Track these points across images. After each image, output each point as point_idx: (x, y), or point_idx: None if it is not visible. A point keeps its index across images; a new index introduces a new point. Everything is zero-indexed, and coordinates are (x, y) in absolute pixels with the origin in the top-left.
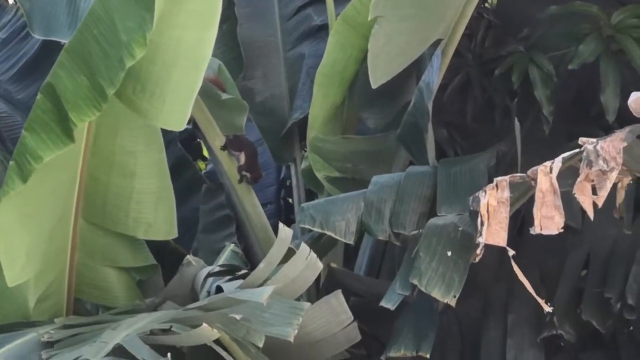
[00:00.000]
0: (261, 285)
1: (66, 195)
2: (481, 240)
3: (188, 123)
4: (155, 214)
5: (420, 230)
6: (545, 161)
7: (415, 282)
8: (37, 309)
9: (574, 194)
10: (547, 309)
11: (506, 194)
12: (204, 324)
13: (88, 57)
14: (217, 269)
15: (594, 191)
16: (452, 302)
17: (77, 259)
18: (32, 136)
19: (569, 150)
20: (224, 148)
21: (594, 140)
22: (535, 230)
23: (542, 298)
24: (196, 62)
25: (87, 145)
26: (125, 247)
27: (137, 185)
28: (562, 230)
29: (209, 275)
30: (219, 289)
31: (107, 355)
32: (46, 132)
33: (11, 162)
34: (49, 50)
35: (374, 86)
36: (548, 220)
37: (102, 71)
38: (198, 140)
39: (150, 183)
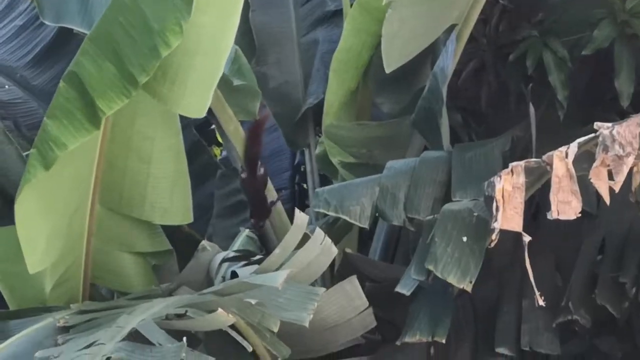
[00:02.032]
0: (276, 270)
1: (84, 181)
2: (496, 225)
3: None
4: (171, 199)
5: (435, 216)
6: (559, 146)
7: (430, 267)
8: (53, 294)
9: (590, 179)
10: (541, 302)
11: (521, 179)
12: (220, 309)
13: (115, 45)
14: (232, 254)
15: (610, 176)
16: (468, 288)
17: (94, 244)
18: (55, 124)
19: (583, 135)
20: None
21: (609, 125)
22: (553, 215)
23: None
24: (218, 49)
25: (105, 132)
26: (142, 233)
27: (153, 170)
28: (578, 215)
29: (224, 260)
30: (234, 274)
31: (123, 340)
32: (69, 119)
33: (33, 150)
34: (65, 37)
35: (387, 71)
36: (565, 205)
37: (132, 59)
38: (213, 126)
39: (166, 168)
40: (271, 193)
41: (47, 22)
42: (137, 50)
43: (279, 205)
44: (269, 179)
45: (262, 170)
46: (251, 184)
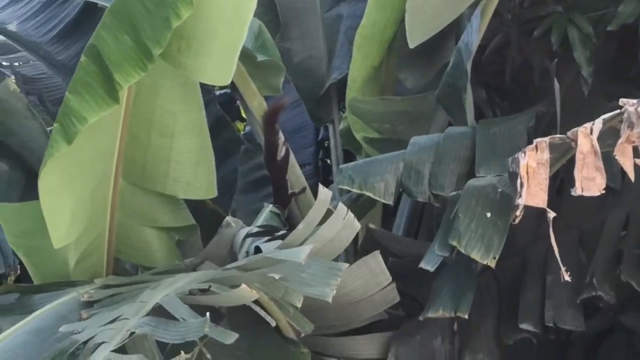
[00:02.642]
0: (300, 246)
1: (107, 155)
2: (520, 201)
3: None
4: (194, 173)
5: (459, 192)
6: (584, 122)
7: (454, 243)
8: (77, 269)
9: (614, 155)
10: (567, 277)
11: (546, 155)
12: (243, 284)
13: (132, 17)
14: (256, 229)
15: (635, 152)
16: (492, 264)
17: (117, 219)
18: (76, 98)
19: (608, 111)
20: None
21: (635, 101)
22: (577, 191)
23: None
24: (240, 16)
25: (127, 106)
26: (165, 207)
27: (176, 144)
28: (602, 192)
29: (248, 235)
30: (258, 250)
31: (147, 314)
32: (90, 93)
33: (55, 124)
34: (90, 12)
35: (411, 45)
36: (589, 181)
37: (148, 31)
38: (236, 102)
39: (189, 142)
40: (299, 180)
41: None
42: (151, 23)
43: (303, 180)
44: (293, 157)
45: (283, 152)
46: (272, 169)
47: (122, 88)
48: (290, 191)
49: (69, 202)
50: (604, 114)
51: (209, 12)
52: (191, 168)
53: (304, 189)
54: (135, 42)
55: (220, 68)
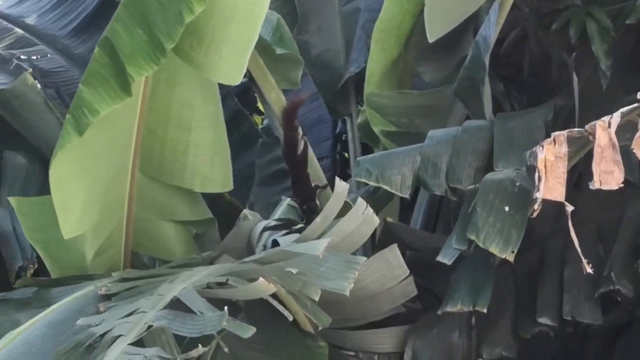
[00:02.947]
0: (317, 239)
1: (123, 148)
2: (538, 195)
3: (244, 76)
4: (211, 166)
5: (477, 185)
6: (602, 115)
7: (472, 237)
8: (95, 262)
9: (632, 149)
10: (589, 269)
11: (564, 148)
12: (261, 278)
13: (145, 11)
14: (273, 223)
15: None
16: (510, 258)
17: (135, 212)
18: (89, 90)
19: (626, 105)
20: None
21: None
22: (595, 185)
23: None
24: (253, 15)
25: (144, 99)
26: (182, 201)
27: (193, 138)
28: (620, 185)
29: (265, 229)
30: (275, 243)
31: (164, 308)
32: (103, 85)
33: (68, 115)
34: (108, 6)
35: (430, 40)
36: (607, 175)
37: (160, 25)
38: (254, 94)
39: (206, 136)
40: (318, 174)
41: None
42: (164, 17)
43: (321, 173)
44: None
45: (302, 146)
46: (291, 164)
47: (135, 81)
48: (313, 184)
49: (81, 193)
50: (622, 107)
51: (221, 10)
52: (208, 161)
53: (326, 185)
54: (148, 35)
55: (231, 67)
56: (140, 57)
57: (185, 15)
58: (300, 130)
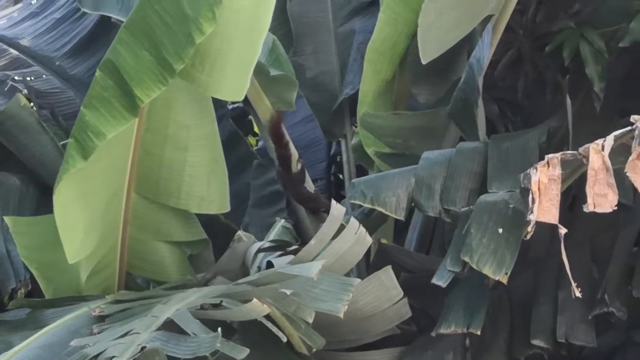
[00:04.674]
0: (312, 261)
1: (120, 170)
2: (532, 217)
3: None
4: (208, 187)
5: (471, 207)
6: (596, 138)
7: (466, 259)
8: (89, 283)
9: (626, 172)
10: (578, 293)
11: (557, 171)
12: (255, 299)
13: (150, 32)
14: (268, 244)
15: None
16: (504, 279)
17: (130, 233)
18: (92, 113)
19: (620, 127)
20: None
21: None
22: (589, 208)
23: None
24: (255, 32)
25: (141, 121)
26: (178, 222)
27: (190, 158)
28: (614, 208)
29: (260, 250)
30: (270, 265)
31: (158, 329)
32: (107, 108)
33: (71, 140)
34: (104, 29)
35: (424, 62)
36: (601, 198)
37: (168, 46)
38: (249, 117)
39: (202, 156)
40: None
41: (85, 10)
42: (172, 38)
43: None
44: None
45: (299, 167)
46: (288, 181)
47: (143, 103)
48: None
49: (84, 216)
50: (615, 130)
51: (224, 29)
52: (204, 182)
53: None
54: (154, 56)
55: (234, 85)
56: (148, 79)
57: (195, 36)
58: (295, 152)
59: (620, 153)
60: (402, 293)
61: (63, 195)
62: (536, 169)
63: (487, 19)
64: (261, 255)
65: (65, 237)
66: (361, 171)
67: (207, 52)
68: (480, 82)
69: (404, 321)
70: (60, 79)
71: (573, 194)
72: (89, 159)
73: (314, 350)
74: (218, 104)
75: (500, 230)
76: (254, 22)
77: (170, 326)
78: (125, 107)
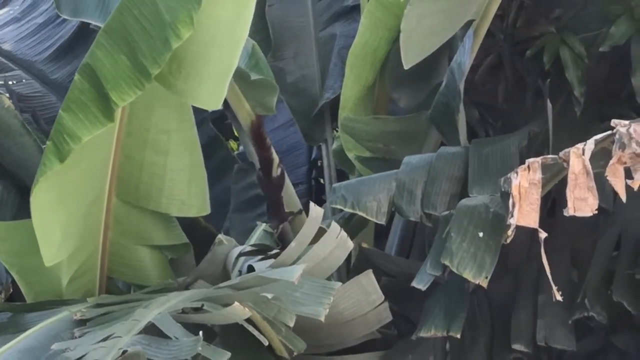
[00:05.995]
0: (292, 264)
1: (100, 174)
2: (512, 221)
3: None
4: (188, 190)
5: (452, 211)
6: (576, 142)
7: (446, 262)
8: (70, 287)
9: (606, 176)
10: (558, 297)
11: (538, 175)
12: (236, 303)
13: (128, 37)
14: (249, 248)
15: (626, 173)
16: (484, 283)
17: (111, 237)
18: (70, 116)
19: (600, 132)
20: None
21: (627, 122)
22: (569, 212)
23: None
24: (233, 41)
25: (121, 125)
26: (159, 226)
27: (170, 163)
28: (595, 212)
29: (241, 254)
30: (251, 268)
31: (139, 333)
32: (84, 112)
33: (48, 143)
34: (85, 34)
35: (406, 67)
36: (581, 202)
37: (144, 51)
38: (229, 120)
39: (183, 161)
40: (293, 199)
41: (64, 16)
42: (149, 43)
43: (296, 199)
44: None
45: (279, 172)
46: (267, 185)
47: (118, 107)
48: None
49: (61, 220)
50: (596, 134)
51: (202, 35)
52: (185, 186)
53: (300, 210)
54: (131, 61)
55: (211, 92)
56: (124, 83)
57: (172, 41)
58: (276, 157)
59: (600, 157)
60: (383, 297)
61: (40, 198)
62: (517, 173)
63: (468, 23)
64: (242, 259)
65: (42, 239)
66: (342, 176)
67: (184, 58)
68: (461, 86)
69: (384, 325)
70: (41, 83)
71: (553, 199)
72: (67, 162)
73: (295, 354)
74: (198, 108)
75: (481, 234)
76: (232, 30)
77: (151, 330)
78: (102, 111)
